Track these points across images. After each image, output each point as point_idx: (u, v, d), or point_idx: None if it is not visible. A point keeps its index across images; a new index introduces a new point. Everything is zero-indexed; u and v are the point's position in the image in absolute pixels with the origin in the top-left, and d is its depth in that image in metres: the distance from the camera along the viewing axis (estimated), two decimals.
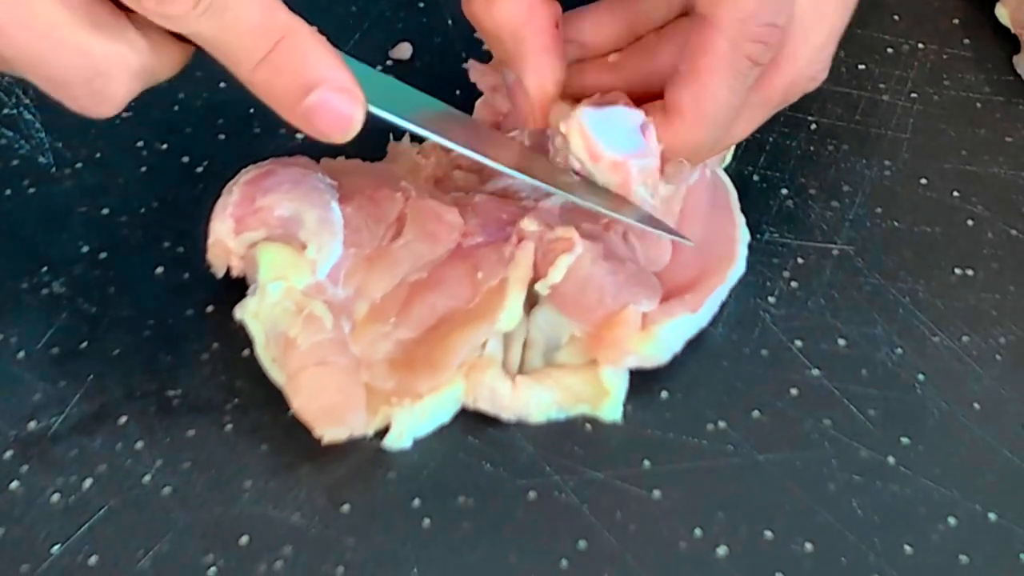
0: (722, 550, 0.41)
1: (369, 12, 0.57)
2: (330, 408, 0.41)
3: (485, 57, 0.50)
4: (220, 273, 0.45)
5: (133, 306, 0.46)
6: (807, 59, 0.41)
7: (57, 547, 0.40)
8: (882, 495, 0.42)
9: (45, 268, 0.47)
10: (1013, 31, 0.56)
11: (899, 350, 0.46)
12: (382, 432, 0.43)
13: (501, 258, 0.44)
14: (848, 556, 0.41)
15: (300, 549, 0.41)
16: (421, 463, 0.43)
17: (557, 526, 0.41)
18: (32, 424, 0.43)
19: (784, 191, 0.50)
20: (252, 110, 0.51)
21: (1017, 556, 0.41)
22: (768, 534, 0.41)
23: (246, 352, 0.44)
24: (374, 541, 0.41)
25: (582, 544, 0.41)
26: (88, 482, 0.42)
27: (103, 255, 0.48)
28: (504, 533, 0.41)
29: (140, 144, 0.51)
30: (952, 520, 0.42)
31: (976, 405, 0.45)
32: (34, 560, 0.40)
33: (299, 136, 0.50)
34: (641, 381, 0.44)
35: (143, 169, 0.50)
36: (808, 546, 0.41)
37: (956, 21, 0.58)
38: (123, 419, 0.43)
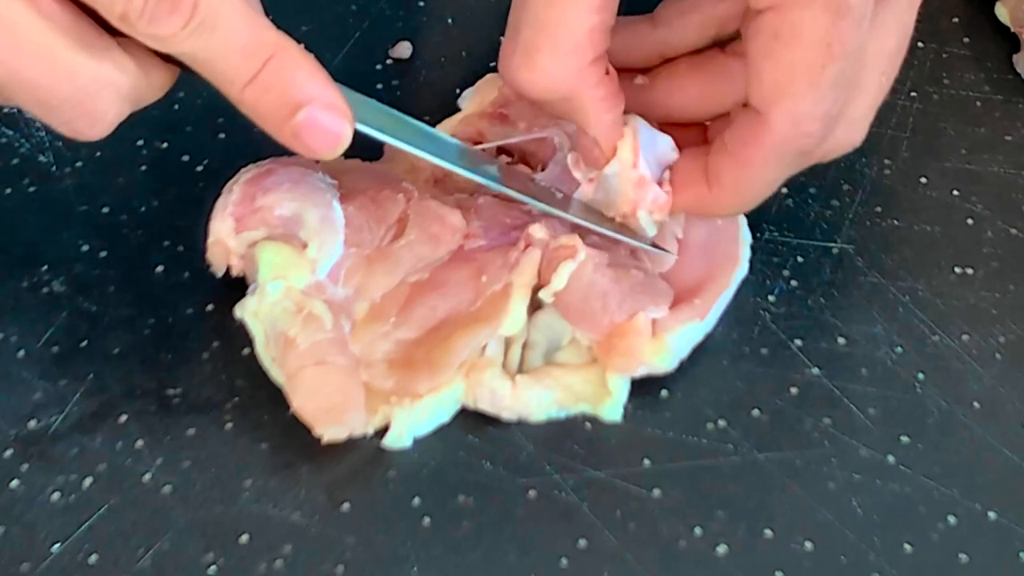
0: (722, 549, 0.41)
1: (369, 11, 0.57)
2: (330, 407, 0.41)
3: (485, 57, 0.50)
4: (220, 272, 0.45)
5: (133, 305, 0.46)
6: (846, 132, 0.40)
7: (57, 546, 0.40)
8: (882, 494, 0.42)
9: (45, 267, 0.47)
10: (1013, 30, 0.56)
11: (899, 349, 0.46)
12: (382, 431, 0.43)
13: (506, 263, 0.44)
14: (848, 555, 0.41)
15: (300, 548, 0.41)
16: (421, 462, 0.43)
17: (557, 525, 0.41)
18: (32, 423, 0.43)
19: (784, 190, 0.50)
20: None
21: (1017, 555, 0.41)
22: (768, 533, 0.41)
23: (246, 351, 0.44)
24: (374, 540, 0.41)
25: (582, 543, 0.41)
26: (88, 481, 0.42)
27: (103, 254, 0.48)
28: (504, 532, 0.41)
29: (140, 143, 0.51)
30: (952, 519, 0.42)
31: (976, 404, 0.45)
32: (34, 559, 0.40)
33: None
34: (641, 380, 0.44)
35: (143, 168, 0.50)
36: (808, 545, 0.41)
37: (956, 20, 0.58)
38: (123, 418, 0.43)
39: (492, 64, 0.51)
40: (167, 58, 0.37)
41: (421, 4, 0.58)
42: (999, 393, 0.45)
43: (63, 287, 0.47)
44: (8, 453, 0.42)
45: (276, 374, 0.43)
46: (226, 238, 0.44)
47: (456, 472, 0.42)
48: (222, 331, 0.45)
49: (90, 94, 0.35)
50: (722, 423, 0.44)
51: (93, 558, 0.40)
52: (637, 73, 0.43)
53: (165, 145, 0.51)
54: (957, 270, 0.49)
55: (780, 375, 0.45)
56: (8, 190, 0.50)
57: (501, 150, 0.48)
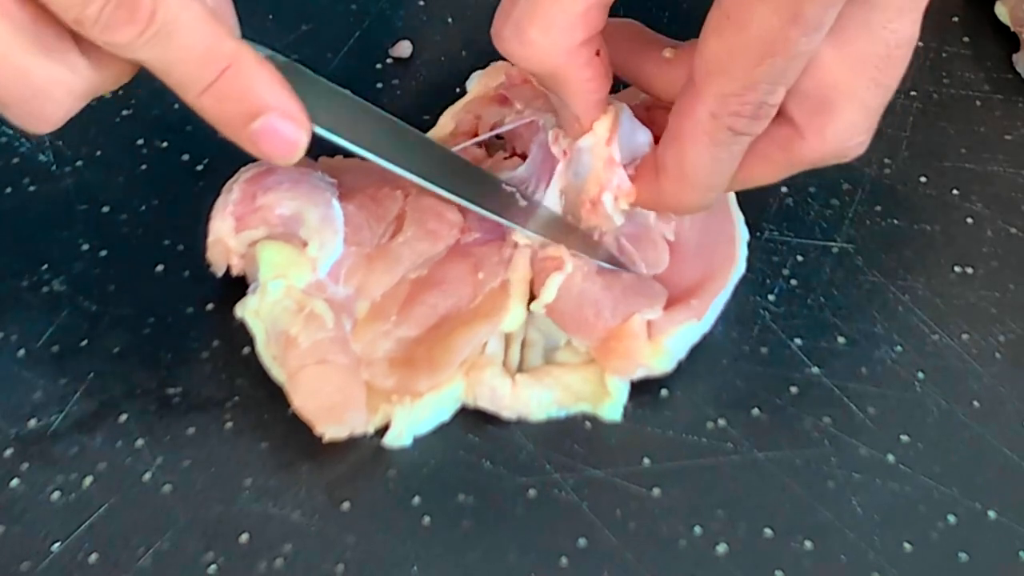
0: (722, 548, 0.41)
1: (369, 10, 0.57)
2: (330, 406, 0.41)
3: (484, 57, 0.50)
4: (220, 272, 0.45)
5: (133, 304, 0.46)
6: (836, 136, 0.40)
7: (57, 545, 0.40)
8: (882, 493, 0.42)
9: (45, 266, 0.47)
10: (1012, 29, 0.56)
11: (899, 348, 0.46)
12: (382, 430, 0.43)
13: (501, 259, 0.44)
14: (848, 554, 0.41)
15: (300, 547, 0.41)
16: (421, 461, 0.43)
17: (557, 524, 0.41)
18: (32, 422, 0.43)
19: (783, 189, 0.50)
20: None
21: (1017, 554, 0.41)
22: (768, 532, 0.41)
23: (246, 350, 0.44)
24: (374, 539, 0.41)
25: (582, 542, 0.41)
26: (88, 480, 0.42)
27: (103, 253, 0.48)
28: (504, 531, 0.41)
29: (140, 142, 0.51)
30: (952, 518, 0.42)
31: (975, 403, 0.45)
32: (34, 558, 0.40)
33: None
34: (640, 379, 0.44)
35: (143, 167, 0.50)
36: (808, 544, 0.41)
37: (955, 19, 0.58)
38: (123, 417, 0.43)
39: (492, 63, 0.51)
40: None
41: (421, 3, 0.58)
42: (999, 392, 0.45)
43: (63, 286, 0.47)
44: (8, 452, 0.42)
45: (276, 373, 0.43)
46: (226, 237, 0.44)
47: (456, 471, 0.42)
48: (222, 330, 0.45)
49: (41, 94, 0.35)
50: (722, 422, 0.44)
51: (93, 557, 0.40)
52: (665, 45, 0.43)
53: (165, 145, 0.51)
54: (957, 269, 0.49)
55: (780, 374, 0.45)
56: (8, 189, 0.50)
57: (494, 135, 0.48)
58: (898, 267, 0.48)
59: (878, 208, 0.50)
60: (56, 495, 0.41)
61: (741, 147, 0.39)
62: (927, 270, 0.48)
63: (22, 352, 0.45)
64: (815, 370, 0.45)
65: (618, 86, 0.43)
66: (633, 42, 0.43)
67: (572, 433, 0.43)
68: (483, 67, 0.51)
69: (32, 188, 0.50)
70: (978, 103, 0.55)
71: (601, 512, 0.42)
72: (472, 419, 0.44)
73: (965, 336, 0.46)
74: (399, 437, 0.42)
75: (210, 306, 0.46)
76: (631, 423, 0.44)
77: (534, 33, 0.38)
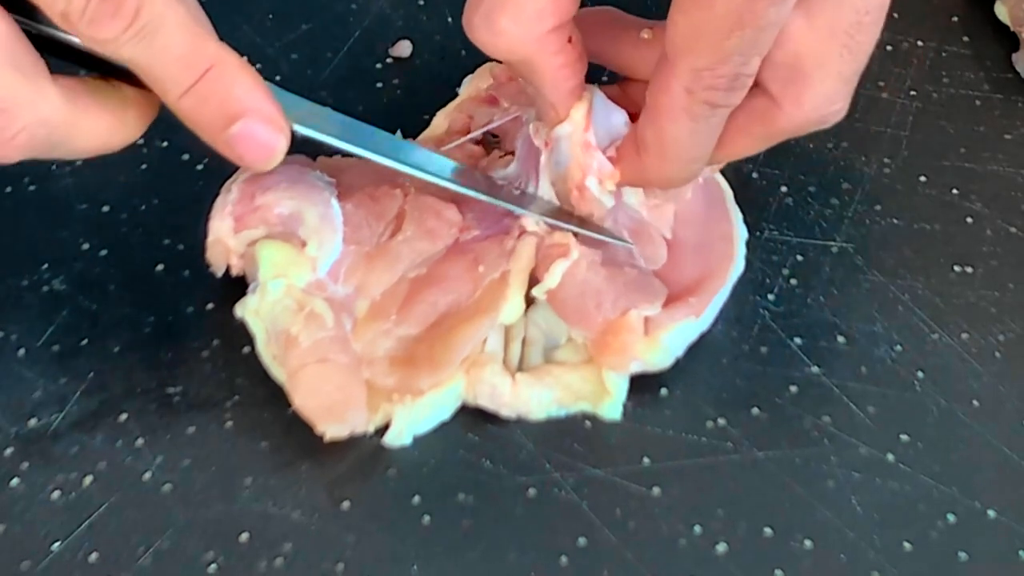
0: (722, 547, 0.41)
1: (369, 10, 0.57)
2: (331, 405, 0.42)
3: (484, 57, 0.50)
4: (219, 272, 0.45)
5: (133, 303, 0.46)
6: (814, 103, 0.40)
7: (57, 544, 0.40)
8: (881, 492, 0.42)
9: (45, 265, 0.47)
10: (1012, 29, 0.56)
11: (898, 347, 0.46)
12: (382, 429, 0.43)
13: (503, 251, 0.44)
14: (847, 553, 0.41)
15: (300, 546, 0.41)
16: (421, 460, 0.43)
17: (557, 523, 0.41)
18: (33, 421, 0.43)
19: (783, 188, 0.50)
20: None
21: (1016, 553, 0.41)
22: (768, 531, 0.41)
23: (246, 349, 0.44)
24: (374, 538, 0.41)
25: (582, 541, 0.41)
26: (88, 479, 0.42)
27: (103, 252, 0.48)
28: (504, 530, 0.41)
29: (140, 142, 0.50)
30: (951, 517, 0.42)
31: (975, 402, 0.45)
32: (35, 557, 0.40)
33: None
34: (640, 378, 0.44)
35: (143, 167, 0.50)
36: (807, 543, 0.41)
37: (955, 19, 0.58)
38: (123, 416, 0.43)
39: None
40: (122, 74, 0.37)
41: (421, 3, 0.58)
42: (998, 391, 0.45)
43: (63, 286, 0.47)
44: (8, 451, 0.42)
45: (277, 372, 0.43)
46: (226, 237, 0.44)
47: (456, 470, 0.42)
48: (222, 329, 0.45)
49: (3, 111, 0.35)
50: (722, 421, 0.44)
51: (93, 556, 0.40)
52: (643, 26, 0.43)
53: (165, 144, 0.51)
54: (956, 268, 0.49)
55: (780, 373, 0.45)
56: (8, 189, 0.50)
57: (484, 134, 0.49)
58: (898, 266, 0.48)
59: (878, 207, 0.50)
60: (56, 494, 0.41)
61: (720, 119, 0.39)
62: (927, 269, 0.48)
63: (22, 351, 0.45)
64: (815, 369, 0.45)
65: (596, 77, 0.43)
66: (610, 27, 0.43)
67: (572, 432, 0.43)
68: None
69: (32, 187, 0.50)
70: (978, 103, 0.55)
71: (601, 511, 0.42)
72: (472, 418, 0.44)
73: (965, 335, 0.46)
74: (399, 436, 0.42)
75: (210, 305, 0.46)
76: (631, 422, 0.44)
77: (504, 22, 0.39)
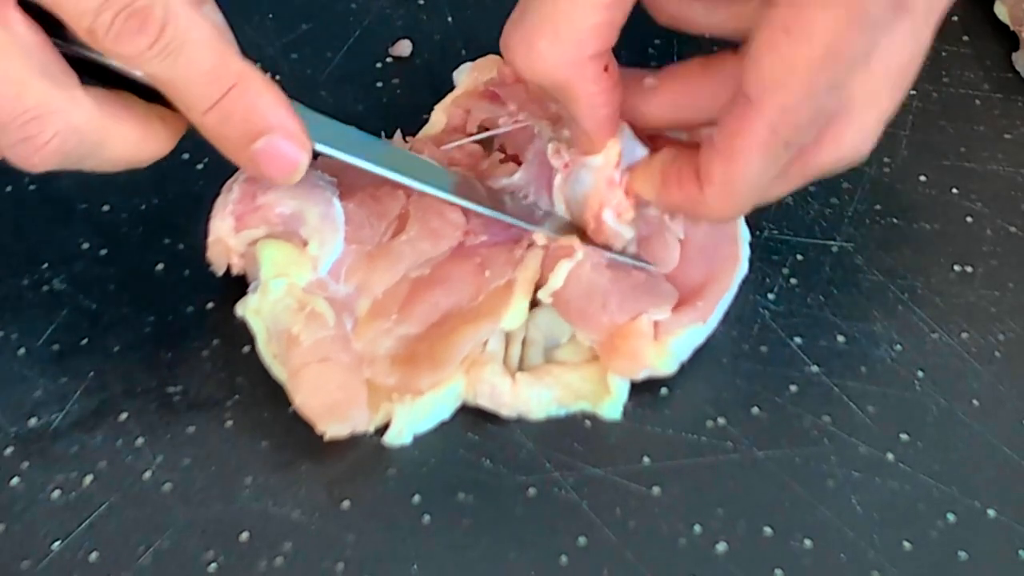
0: (721, 546, 0.41)
1: (369, 9, 0.57)
2: (332, 405, 0.42)
3: (484, 55, 0.50)
4: (220, 271, 0.45)
5: (134, 303, 0.46)
6: (852, 142, 0.40)
7: (57, 543, 0.40)
8: (881, 491, 0.42)
9: (46, 265, 0.47)
10: (1012, 28, 0.56)
11: (898, 347, 0.46)
12: (382, 428, 0.43)
13: (511, 259, 0.44)
14: (847, 552, 0.41)
15: (300, 545, 0.41)
16: (421, 459, 0.43)
17: (557, 522, 0.41)
18: (33, 421, 0.43)
19: None
20: None
21: (1016, 552, 0.41)
22: (767, 530, 0.41)
23: (247, 349, 0.44)
24: (374, 537, 0.41)
25: (582, 540, 0.41)
26: (89, 478, 0.42)
27: (104, 252, 0.48)
28: (504, 529, 0.41)
29: None
30: (951, 516, 0.42)
31: (975, 402, 0.45)
32: (35, 556, 0.40)
33: None
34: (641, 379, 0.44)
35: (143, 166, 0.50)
36: (807, 542, 0.41)
37: (955, 18, 0.58)
38: (124, 415, 0.43)
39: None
40: (152, 96, 0.37)
41: (421, 2, 0.58)
42: (998, 391, 0.45)
43: (64, 285, 0.47)
44: (9, 451, 0.42)
45: (277, 371, 0.43)
46: (226, 236, 0.44)
47: (456, 470, 0.42)
48: (222, 329, 0.45)
49: (36, 117, 0.35)
50: (722, 421, 0.44)
51: (93, 556, 0.40)
52: (643, 76, 0.43)
53: None
54: (956, 268, 0.49)
55: (780, 373, 0.45)
56: (8, 188, 0.50)
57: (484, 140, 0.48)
58: (898, 266, 0.48)
59: (878, 207, 0.50)
60: (56, 493, 0.42)
61: (789, 158, 0.39)
62: (926, 269, 0.48)
63: (22, 351, 0.45)
64: (815, 369, 0.45)
65: None
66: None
67: (572, 432, 0.43)
68: None
69: (33, 187, 0.50)
70: (977, 102, 0.55)
71: (601, 511, 0.42)
72: (472, 418, 0.44)
73: (965, 335, 0.46)
74: (399, 435, 0.43)
75: (210, 305, 0.46)
76: (631, 422, 0.44)
77: (543, 45, 0.38)
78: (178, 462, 0.42)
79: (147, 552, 0.40)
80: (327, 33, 0.56)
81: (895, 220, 0.50)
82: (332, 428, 0.41)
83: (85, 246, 0.48)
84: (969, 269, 0.49)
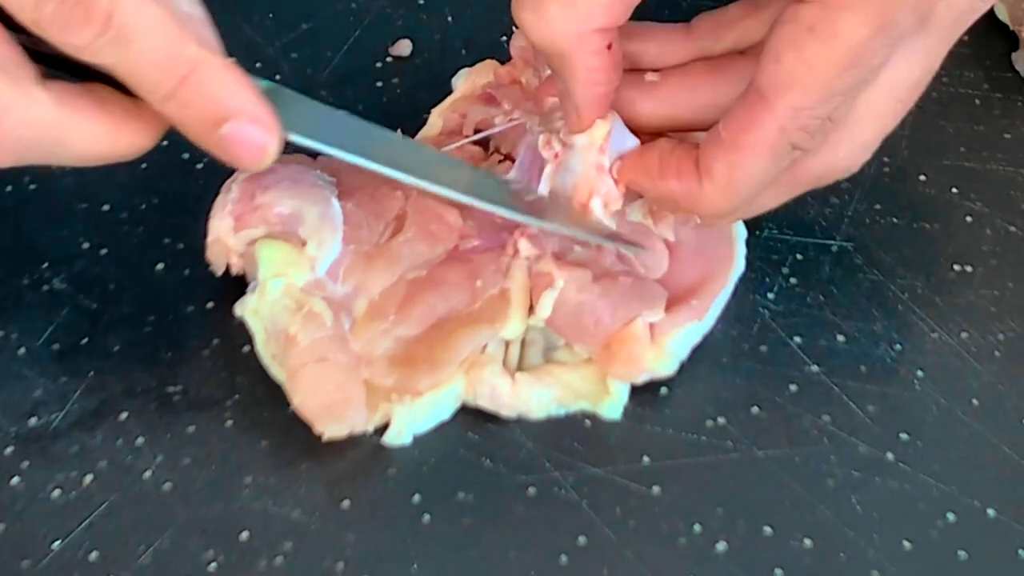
0: (721, 546, 0.41)
1: (369, 9, 0.57)
2: (330, 405, 0.42)
3: (484, 56, 0.51)
4: (219, 271, 0.45)
5: (133, 302, 0.46)
6: (848, 153, 0.40)
7: (57, 543, 0.40)
8: (881, 491, 0.42)
9: (46, 264, 0.47)
10: (1012, 28, 0.56)
11: (898, 346, 0.46)
12: (382, 428, 0.43)
13: (499, 268, 0.44)
14: (847, 552, 0.41)
15: (300, 545, 0.41)
16: (421, 459, 0.43)
17: (556, 522, 0.41)
18: (33, 420, 0.43)
19: None
20: None
21: (1016, 552, 0.41)
22: (767, 530, 0.41)
23: (246, 348, 0.44)
24: (374, 537, 0.41)
25: (582, 540, 0.41)
26: (88, 478, 0.42)
27: (103, 251, 0.48)
28: (504, 529, 0.41)
29: None
30: (951, 516, 0.42)
31: (975, 401, 0.45)
32: (35, 556, 0.40)
33: None
34: None
35: (143, 166, 0.50)
36: (807, 542, 0.41)
37: None
38: (124, 415, 0.43)
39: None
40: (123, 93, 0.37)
41: (421, 2, 0.58)
42: (998, 390, 0.45)
43: (64, 285, 0.47)
44: (9, 450, 0.42)
45: (276, 371, 0.43)
46: (225, 236, 0.44)
47: (456, 469, 0.42)
48: (222, 329, 0.45)
49: None
50: (721, 420, 0.44)
51: (93, 555, 0.40)
52: (648, 70, 0.43)
53: (165, 143, 0.50)
54: (956, 267, 0.49)
55: (779, 372, 0.45)
56: (8, 188, 0.50)
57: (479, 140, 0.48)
58: (897, 265, 0.48)
59: (877, 206, 0.50)
60: (56, 493, 0.42)
61: (789, 162, 0.39)
62: (926, 268, 0.48)
63: (22, 350, 0.45)
64: (814, 368, 0.45)
65: None
66: None
67: (572, 431, 0.43)
68: None
69: (33, 186, 0.50)
70: (977, 101, 0.55)
71: (601, 510, 0.42)
72: (472, 417, 0.44)
73: (964, 334, 0.46)
74: (399, 435, 0.43)
75: (210, 305, 0.46)
76: (631, 421, 0.44)
77: (553, 9, 0.38)
78: (178, 462, 0.42)
79: (147, 552, 0.40)
80: (327, 33, 0.56)
81: (895, 219, 0.50)
82: (330, 428, 0.41)
83: (85, 246, 0.48)
84: (969, 269, 0.49)
